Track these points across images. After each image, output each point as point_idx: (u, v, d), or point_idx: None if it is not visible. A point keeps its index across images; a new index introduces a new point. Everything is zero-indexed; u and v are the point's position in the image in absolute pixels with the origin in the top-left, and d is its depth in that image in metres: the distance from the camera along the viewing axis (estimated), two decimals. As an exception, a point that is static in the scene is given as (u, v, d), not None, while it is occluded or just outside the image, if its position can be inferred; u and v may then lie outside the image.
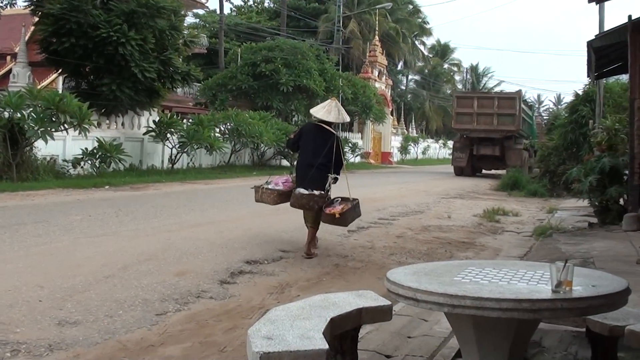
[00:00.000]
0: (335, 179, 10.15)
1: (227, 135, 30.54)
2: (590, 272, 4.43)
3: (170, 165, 27.12)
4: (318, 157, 9.92)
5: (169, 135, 26.33)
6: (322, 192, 9.86)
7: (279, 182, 10.77)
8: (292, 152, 10.33)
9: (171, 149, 26.97)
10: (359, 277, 8.44)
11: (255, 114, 32.36)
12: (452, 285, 3.70)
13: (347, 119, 10.69)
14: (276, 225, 12.49)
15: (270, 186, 10.78)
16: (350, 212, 9.77)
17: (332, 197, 10.04)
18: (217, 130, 30.12)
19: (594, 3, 13.55)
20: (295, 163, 11.26)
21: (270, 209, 11.69)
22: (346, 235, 11.96)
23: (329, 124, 10.16)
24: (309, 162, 10.03)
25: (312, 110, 10.70)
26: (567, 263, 3.58)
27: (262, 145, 32.50)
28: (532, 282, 3.87)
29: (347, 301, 4.53)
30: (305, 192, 9.84)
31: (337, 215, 9.58)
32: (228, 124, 30.47)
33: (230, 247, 9.98)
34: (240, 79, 37.24)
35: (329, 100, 10.67)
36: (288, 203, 10.25)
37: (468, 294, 3.49)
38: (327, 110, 10.29)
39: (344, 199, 9.97)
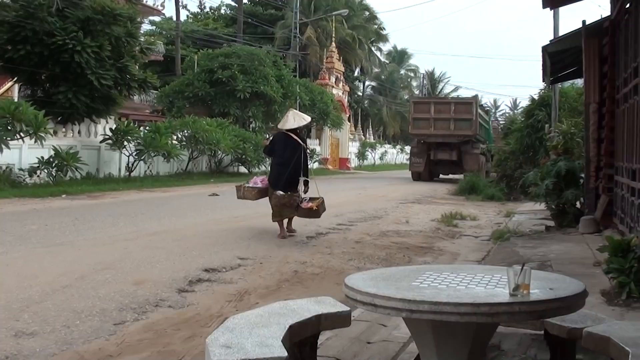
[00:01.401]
0: (306, 182, 12.32)
1: (185, 143, 30.38)
2: (547, 275, 4.48)
3: (128, 173, 26.94)
4: (289, 163, 12.05)
5: (125, 143, 26.13)
6: (297, 192, 12.10)
7: (257, 181, 13.09)
8: (267, 157, 13.30)
9: (128, 156, 26.78)
10: (318, 284, 8.45)
11: (213, 120, 32.25)
12: (410, 290, 3.71)
13: (307, 119, 12.94)
14: (234, 233, 12.46)
15: (250, 185, 13.06)
16: (321, 206, 12.26)
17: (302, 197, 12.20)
18: (175, 137, 29.92)
19: (548, 9, 13.70)
20: (269, 167, 13.34)
21: (227, 216, 11.96)
22: (305, 241, 11.97)
23: (295, 131, 12.25)
24: (282, 167, 12.16)
25: (278, 125, 12.96)
26: (525, 266, 3.61)
27: (219, 152, 32.44)
28: (490, 286, 3.90)
29: (305, 308, 4.53)
30: (284, 193, 11.98)
31: (314, 208, 12.01)
32: (185, 131, 30.32)
33: (188, 255, 9.94)
34: (197, 86, 37.08)
35: (288, 112, 13.01)
36: (261, 199, 12.80)
37: (426, 298, 3.51)
38: (285, 121, 12.57)
39: (312, 198, 12.32)
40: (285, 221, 12.38)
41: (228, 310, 6.86)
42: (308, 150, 13.12)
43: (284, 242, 11.61)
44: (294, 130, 12.28)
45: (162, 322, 6.42)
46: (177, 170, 31.37)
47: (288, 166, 12.07)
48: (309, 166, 12.69)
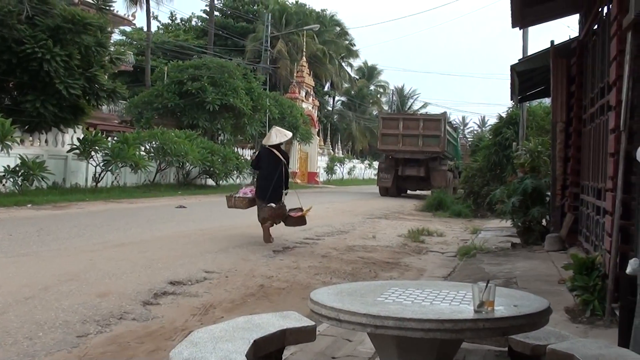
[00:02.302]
0: (286, 193, 13.74)
1: (153, 154, 30.26)
2: (512, 292, 4.50)
3: (95, 184, 26.75)
4: (273, 176, 13.25)
5: (93, 153, 25.98)
6: (283, 203, 13.49)
7: (247, 191, 14.21)
8: (255, 171, 14.25)
9: (95, 167, 26.61)
10: (284, 298, 8.41)
11: (181, 132, 32.18)
12: (375, 306, 3.71)
13: (289, 135, 14.36)
14: (200, 246, 12.40)
15: (240, 195, 14.19)
16: (305, 215, 13.75)
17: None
18: (143, 148, 29.82)
19: (517, 28, 13.84)
20: (256, 179, 14.55)
21: (194, 229, 11.91)
22: (271, 255, 11.94)
23: (278, 147, 13.50)
24: (266, 180, 13.37)
25: (262, 142, 14.29)
26: (489, 283, 3.63)
27: (187, 164, 32.33)
28: (455, 302, 3.91)
29: (270, 322, 4.52)
30: (274, 205, 13.23)
31: (307, 214, 13.71)
32: (153, 143, 30.21)
33: (153, 267, 9.87)
34: (167, 97, 36.96)
35: (272, 129, 14.35)
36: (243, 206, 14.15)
37: (391, 314, 3.51)
38: (269, 137, 13.87)
39: (296, 208, 13.77)
40: (268, 228, 13.43)
41: (193, 323, 6.81)
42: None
43: (250, 256, 11.57)
44: (277, 146, 13.55)
45: (125, 335, 6.36)
46: (145, 182, 31.20)
47: (272, 180, 13.27)
48: (289, 179, 14.05)
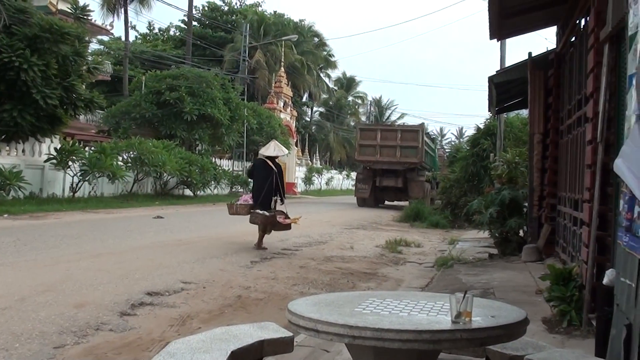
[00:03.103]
0: (276, 201, 14.53)
1: (130, 164, 30.11)
2: (489, 303, 4.51)
3: (72, 194, 26.56)
4: (264, 185, 14.25)
5: (70, 163, 25.80)
6: (275, 211, 14.36)
7: (247, 198, 15.03)
8: (249, 180, 16.49)
9: (72, 177, 26.42)
10: (262, 309, 8.39)
11: (159, 142, 32.06)
12: (352, 316, 3.71)
13: (285, 151, 15.47)
14: (178, 257, 12.35)
15: (241, 202, 15.01)
16: (294, 222, 14.71)
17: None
18: (120, 158, 29.67)
19: (495, 40, 13.91)
20: (252, 187, 15.36)
21: (171, 239, 11.85)
22: (249, 266, 11.91)
23: (272, 158, 14.45)
24: (260, 189, 14.33)
25: (260, 151, 15.27)
26: (467, 294, 3.63)
27: (165, 174, 32.21)
28: (433, 313, 3.92)
29: (248, 333, 4.50)
30: (267, 213, 14.15)
31: (297, 222, 14.78)
32: (131, 153, 30.09)
33: (131, 278, 9.82)
34: (144, 107, 36.81)
35: (271, 142, 15.70)
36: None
37: (369, 325, 3.51)
38: (267, 148, 14.94)
39: (284, 214, 14.52)
40: (261, 236, 14.42)
41: (170, 334, 6.77)
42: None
43: (227, 267, 11.54)
44: (272, 158, 14.53)
45: (102, 346, 6.31)
46: (122, 192, 31.03)
47: (263, 188, 14.29)
48: (283, 189, 14.95)
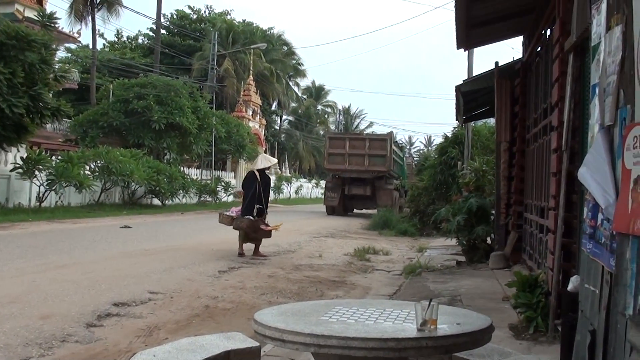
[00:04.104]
0: (259, 209, 15.16)
1: (97, 173, 29.87)
2: (455, 311, 4.53)
3: (38, 204, 26.31)
4: (251, 195, 15.10)
5: (37, 172, 25.53)
6: (257, 218, 15.01)
7: (234, 210, 15.86)
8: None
9: (39, 186, 26.17)
10: (230, 319, 8.36)
11: (127, 151, 31.88)
12: (318, 325, 3.71)
13: (273, 161, 16.81)
14: (145, 267, 12.27)
15: (227, 213, 15.90)
16: (275, 229, 15.55)
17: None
18: (87, 167, 29.45)
19: (462, 49, 14.00)
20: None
21: (139, 249, 11.81)
22: (217, 275, 11.86)
23: (262, 171, 15.51)
24: (247, 198, 15.23)
25: (249, 166, 15.73)
26: (432, 302, 3.64)
27: (133, 183, 32.03)
28: (398, 321, 3.92)
29: (215, 344, 4.49)
30: (252, 218, 14.93)
31: (278, 229, 15.66)
32: (98, 162, 29.86)
33: (97, 288, 9.74)
34: (112, 116, 36.61)
35: (259, 155, 17.28)
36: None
37: (334, 333, 3.51)
38: (255, 162, 16.22)
39: (265, 222, 15.30)
40: (251, 245, 15.25)
41: (137, 345, 6.73)
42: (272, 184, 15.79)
43: (195, 276, 11.49)
44: (261, 170, 15.50)
45: (68, 358, 6.26)
46: (89, 201, 30.79)
47: (248, 197, 15.19)
48: (268, 198, 15.90)
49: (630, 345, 3.45)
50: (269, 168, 16.16)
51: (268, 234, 15.47)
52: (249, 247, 15.24)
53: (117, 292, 9.49)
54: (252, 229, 15.05)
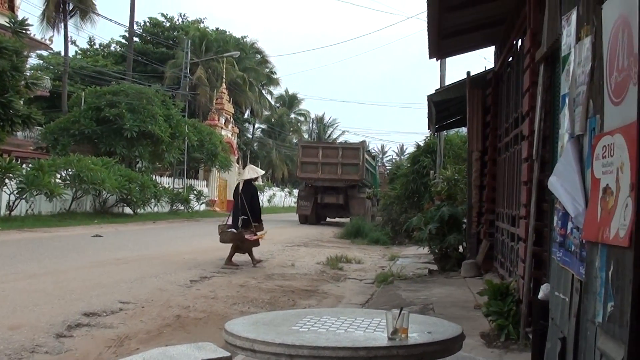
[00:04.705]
0: (243, 219, 15.31)
1: (69, 182, 29.63)
2: (426, 319, 4.54)
3: (8, 212, 26.07)
4: (236, 205, 15.64)
5: (7, 180, 25.31)
6: (241, 229, 15.25)
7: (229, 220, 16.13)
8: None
9: (9, 195, 25.94)
10: (201, 329, 8.32)
11: (98, 159, 31.66)
12: (289, 335, 3.69)
13: (260, 172, 16.98)
14: (116, 276, 12.19)
15: (223, 223, 16.30)
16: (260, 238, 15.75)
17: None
18: (58, 176, 29.18)
19: (435, 59, 14.07)
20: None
21: (110, 258, 11.78)
22: (188, 285, 11.80)
23: (248, 181, 15.78)
24: (233, 209, 15.90)
25: (237, 177, 16.97)
26: (403, 310, 3.64)
27: (104, 192, 31.83)
28: (369, 329, 3.92)
29: (185, 354, 4.46)
30: (235, 230, 15.29)
31: (263, 237, 15.81)
32: (69, 170, 29.60)
33: (67, 298, 9.66)
34: (84, 124, 36.34)
35: (247, 166, 17.00)
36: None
37: (305, 343, 3.50)
38: (242, 173, 16.56)
39: (250, 232, 15.33)
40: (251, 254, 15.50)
41: (107, 356, 6.68)
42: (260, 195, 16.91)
43: (166, 286, 11.43)
44: (248, 180, 15.84)
45: (37, 369, 6.20)
46: (60, 210, 30.51)
47: (234, 210, 15.81)
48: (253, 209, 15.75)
49: (600, 352, 3.47)
50: (256, 179, 16.54)
51: (255, 243, 15.61)
52: (245, 258, 15.53)
53: (88, 302, 9.42)
54: (239, 240, 15.24)
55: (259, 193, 16.95)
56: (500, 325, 7.22)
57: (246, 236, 15.25)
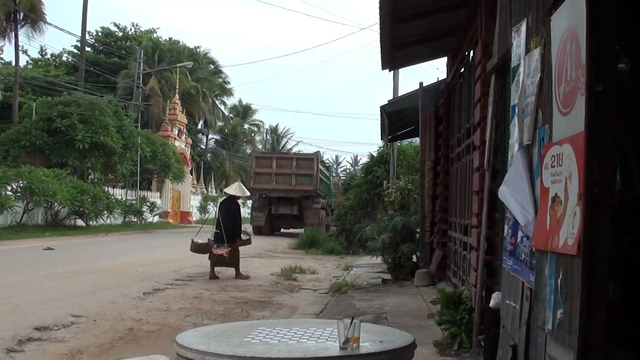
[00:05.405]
0: (216, 233, 15.58)
1: (19, 194, 29.22)
2: (378, 328, 4.55)
3: (-43, 225, 25.65)
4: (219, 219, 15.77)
5: (-45, 193, 24.91)
6: (211, 243, 15.57)
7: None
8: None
9: (-42, 207, 25.53)
10: (154, 341, 8.24)
11: (50, 171, 31.31)
12: (241, 347, 3.68)
13: (246, 193, 17.40)
14: (68, 289, 12.05)
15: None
16: (228, 254, 15.24)
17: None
18: (9, 188, 28.75)
19: (387, 70, 14.16)
20: None
21: (62, 271, 11.61)
22: (141, 297, 11.70)
23: (232, 198, 16.19)
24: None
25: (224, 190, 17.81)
26: (354, 320, 3.65)
27: (56, 204, 31.42)
28: (321, 339, 3.92)
29: (138, 367, 4.42)
30: (200, 241, 16.04)
31: (223, 255, 15.16)
32: (20, 182, 29.20)
33: (18, 312, 9.53)
34: (35, 135, 35.87)
35: (236, 182, 17.89)
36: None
37: (256, 354, 3.49)
38: (230, 186, 17.04)
39: (222, 246, 15.31)
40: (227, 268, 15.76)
41: (58, 370, 6.59)
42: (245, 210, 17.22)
43: (119, 299, 11.33)
44: (233, 197, 16.22)
45: (-14, 384, 6.10)
46: (11, 223, 30.05)
47: (216, 224, 15.83)
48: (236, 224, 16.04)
49: (550, 359, 3.52)
50: (239, 197, 16.61)
51: (220, 257, 15.36)
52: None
53: (39, 316, 9.30)
54: (205, 252, 15.70)
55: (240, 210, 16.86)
56: (453, 333, 7.27)
57: (213, 250, 15.31)
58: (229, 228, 15.57)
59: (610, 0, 3.27)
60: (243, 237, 16.43)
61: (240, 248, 16.04)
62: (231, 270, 15.73)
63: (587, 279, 3.06)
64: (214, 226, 15.93)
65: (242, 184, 17.37)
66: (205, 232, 16.28)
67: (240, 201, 17.11)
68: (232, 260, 15.54)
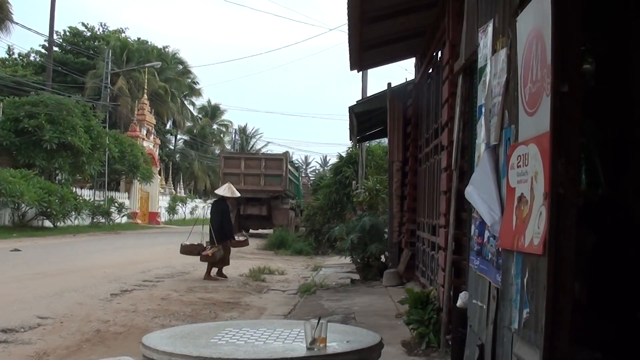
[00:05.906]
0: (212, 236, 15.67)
1: (-15, 195, 28.93)
2: (346, 328, 4.56)
3: None
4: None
5: None
6: (201, 244, 15.87)
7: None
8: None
9: None
10: (121, 343, 8.19)
11: (17, 171, 31.02)
12: (207, 348, 3.67)
13: (237, 194, 17.05)
14: (35, 291, 11.94)
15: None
16: (217, 253, 15.36)
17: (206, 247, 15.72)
18: (-26, 189, 28.47)
19: (356, 71, 14.18)
20: None
21: (29, 273, 11.50)
22: (109, 299, 11.63)
23: (221, 199, 16.46)
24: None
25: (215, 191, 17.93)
26: (321, 320, 3.65)
27: (23, 205, 31.13)
28: (288, 340, 3.91)
29: (104, 369, 4.39)
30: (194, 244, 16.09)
31: (209, 255, 15.26)
32: (-14, 183, 28.91)
33: (-17, 314, 9.42)
34: (2, 135, 35.47)
35: (227, 183, 17.95)
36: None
37: (223, 355, 3.48)
38: (221, 187, 17.36)
39: (210, 247, 15.53)
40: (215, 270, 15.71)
41: (24, 372, 6.52)
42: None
43: (86, 300, 11.25)
44: (221, 198, 16.44)
45: (-51, 387, 6.02)
46: (-23, 224, 29.80)
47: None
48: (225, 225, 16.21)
49: (516, 358, 3.53)
50: (228, 198, 16.56)
51: (207, 257, 15.49)
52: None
53: (5, 318, 9.22)
54: (194, 253, 15.86)
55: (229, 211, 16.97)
56: (421, 333, 7.29)
57: (202, 252, 15.53)
58: (217, 228, 15.75)
59: (576, 1, 3.29)
60: (240, 238, 17.06)
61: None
62: (199, 271, 15.69)
63: (552, 278, 3.08)
64: (206, 227, 16.27)
65: (232, 185, 17.58)
66: (195, 234, 16.40)
67: None
68: (219, 261, 15.66)
